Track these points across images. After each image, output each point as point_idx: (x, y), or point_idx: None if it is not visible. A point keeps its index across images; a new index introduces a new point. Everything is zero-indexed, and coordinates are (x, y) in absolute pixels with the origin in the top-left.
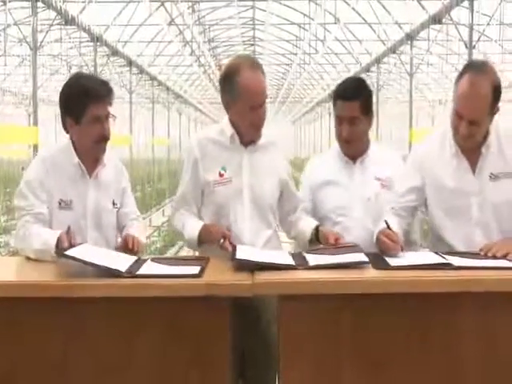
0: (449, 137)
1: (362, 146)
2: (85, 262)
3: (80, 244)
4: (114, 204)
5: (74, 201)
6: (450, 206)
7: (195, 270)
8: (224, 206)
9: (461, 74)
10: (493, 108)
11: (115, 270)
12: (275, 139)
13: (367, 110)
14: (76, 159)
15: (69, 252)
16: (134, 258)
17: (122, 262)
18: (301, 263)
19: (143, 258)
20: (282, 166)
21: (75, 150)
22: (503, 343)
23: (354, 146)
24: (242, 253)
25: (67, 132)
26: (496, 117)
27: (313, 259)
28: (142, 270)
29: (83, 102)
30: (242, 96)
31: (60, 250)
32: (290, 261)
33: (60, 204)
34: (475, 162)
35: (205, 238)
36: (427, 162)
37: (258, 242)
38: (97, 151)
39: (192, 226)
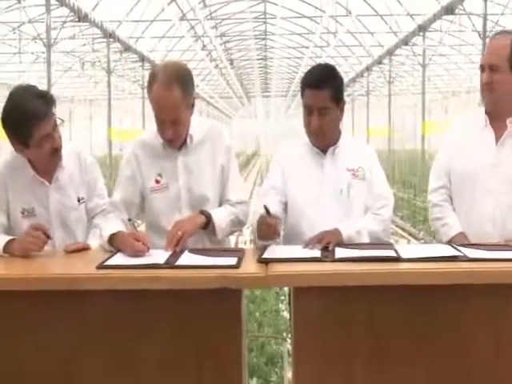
0: (481, 111)
1: (333, 137)
2: (124, 267)
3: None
4: (79, 200)
5: (36, 207)
6: (467, 173)
7: (233, 260)
8: (161, 214)
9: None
10: None
11: (153, 264)
12: (210, 131)
13: (337, 99)
14: (32, 173)
15: (108, 262)
16: (169, 252)
17: (159, 256)
18: (327, 255)
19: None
20: (221, 155)
21: (30, 163)
22: None
23: (323, 138)
24: (268, 253)
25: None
26: None
27: (340, 252)
28: (180, 261)
29: (26, 127)
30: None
31: (101, 263)
32: (317, 254)
33: (23, 213)
34: (501, 135)
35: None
36: (457, 140)
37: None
38: (53, 162)
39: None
